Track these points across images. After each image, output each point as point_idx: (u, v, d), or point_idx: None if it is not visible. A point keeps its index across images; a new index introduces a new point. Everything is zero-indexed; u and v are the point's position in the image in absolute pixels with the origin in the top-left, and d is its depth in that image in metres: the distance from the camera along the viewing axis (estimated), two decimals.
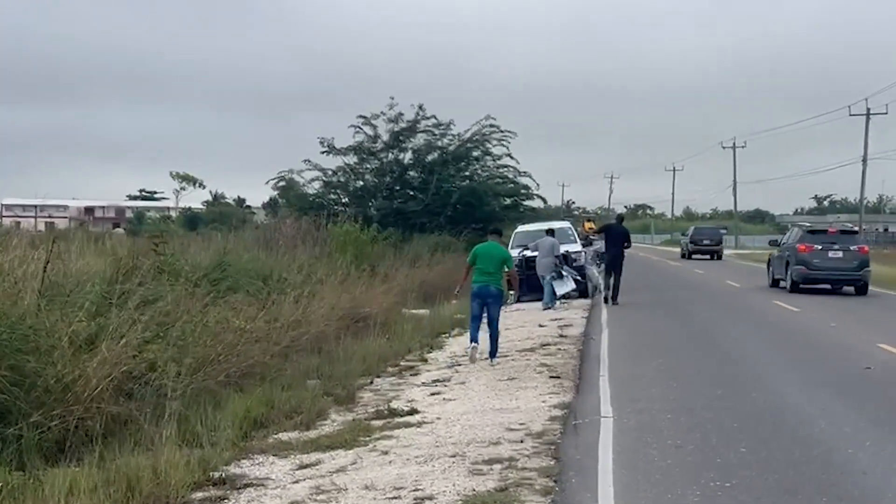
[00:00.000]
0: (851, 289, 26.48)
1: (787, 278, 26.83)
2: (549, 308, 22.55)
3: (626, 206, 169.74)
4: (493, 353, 14.32)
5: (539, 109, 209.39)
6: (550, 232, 25.65)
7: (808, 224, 29.49)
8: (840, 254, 26.09)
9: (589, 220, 70.01)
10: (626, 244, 23.66)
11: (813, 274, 26.11)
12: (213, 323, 11.95)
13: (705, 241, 55.85)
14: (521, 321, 20.15)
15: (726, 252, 70.65)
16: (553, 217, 68.75)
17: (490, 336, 14.42)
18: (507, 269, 14.92)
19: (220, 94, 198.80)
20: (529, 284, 24.55)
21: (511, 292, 15.21)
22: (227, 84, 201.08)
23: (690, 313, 21.37)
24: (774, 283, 28.32)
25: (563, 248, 25.15)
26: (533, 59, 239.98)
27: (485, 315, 14.44)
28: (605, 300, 23.41)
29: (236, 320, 12.58)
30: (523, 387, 11.88)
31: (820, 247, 26.23)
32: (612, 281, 23.57)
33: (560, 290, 23.49)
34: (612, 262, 23.72)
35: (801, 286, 26.19)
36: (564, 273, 23.79)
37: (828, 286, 26.54)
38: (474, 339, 14.31)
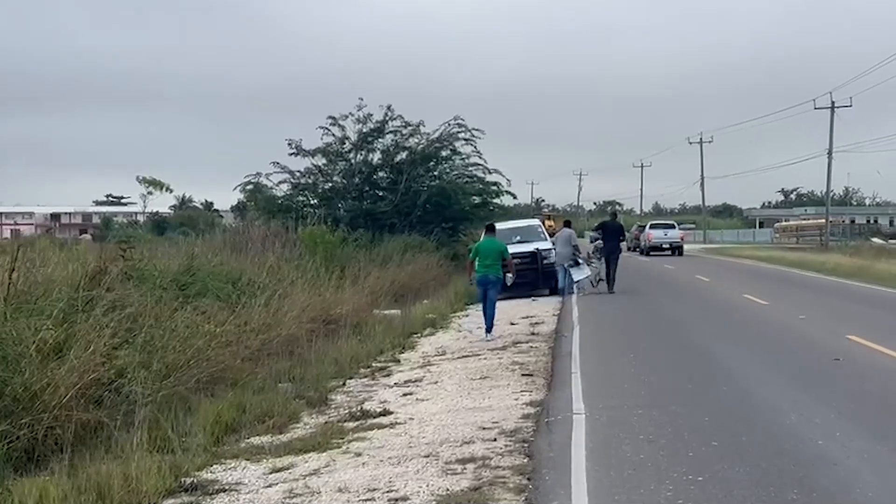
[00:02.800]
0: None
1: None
2: (571, 294, 24.97)
3: (595, 203, 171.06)
4: (488, 329, 16.99)
5: (509, 114, 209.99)
6: (567, 223, 27.84)
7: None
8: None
9: (548, 217, 70.18)
10: (621, 237, 26.90)
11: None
12: (183, 328, 11.89)
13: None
14: (495, 319, 20.21)
15: (695, 247, 71.09)
16: (523, 215, 68.91)
17: (485, 313, 17.13)
18: (504, 259, 17.34)
19: (187, 99, 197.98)
20: (544, 278, 26.27)
21: (509, 275, 17.69)
22: (195, 88, 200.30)
23: (660, 307, 21.52)
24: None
25: (532, 246, 25.88)
26: (502, 66, 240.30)
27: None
28: (609, 290, 25.42)
29: (206, 325, 12.52)
30: (496, 385, 11.91)
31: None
32: (610, 271, 25.81)
33: (577, 276, 25.55)
34: (610, 255, 26.01)
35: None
36: (580, 261, 25.88)
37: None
38: (489, 328, 16.96)
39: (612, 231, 27.01)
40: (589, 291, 25.82)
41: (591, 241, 30.65)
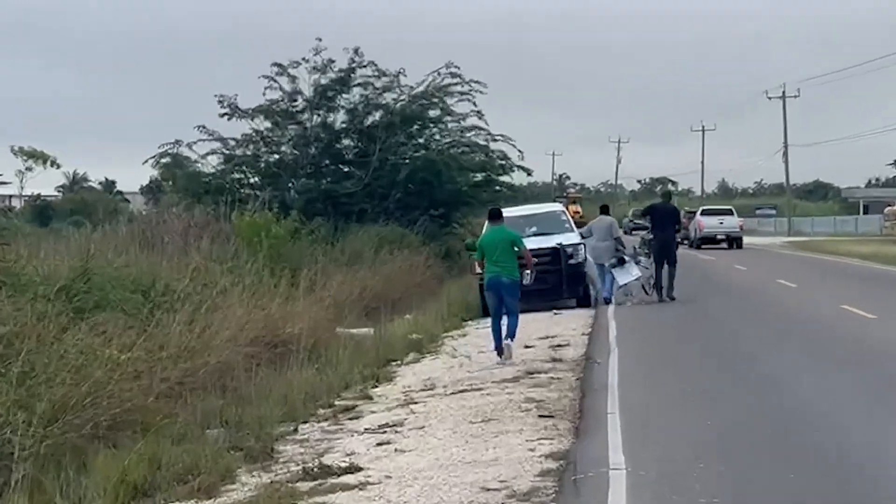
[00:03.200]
0: None
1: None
2: (609, 302, 25.58)
3: (639, 181, 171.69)
4: (510, 335, 17.35)
5: (521, 61, 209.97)
6: (604, 209, 28.33)
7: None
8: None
9: (573, 202, 70.88)
10: (676, 226, 27.12)
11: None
12: (75, 354, 11.85)
13: None
14: None
15: (776, 240, 71.39)
16: (542, 197, 68.94)
17: (507, 324, 17.40)
18: (519, 252, 17.67)
19: (81, 42, 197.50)
20: (569, 284, 26.00)
21: (527, 272, 18.26)
22: (92, 27, 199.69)
23: (728, 323, 21.55)
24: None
25: (555, 241, 25.85)
26: None
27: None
28: (660, 298, 25.82)
29: (107, 349, 12.49)
30: (504, 430, 11.90)
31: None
32: (664, 272, 25.83)
33: (622, 280, 26.09)
34: (663, 249, 25.89)
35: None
36: (626, 258, 26.07)
37: None
38: (499, 347, 17.39)
39: (664, 217, 26.96)
40: (640, 300, 26.02)
41: (629, 231, 30.97)
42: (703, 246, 56.35)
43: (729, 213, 61.24)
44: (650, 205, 29.49)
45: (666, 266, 26.10)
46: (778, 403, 12.71)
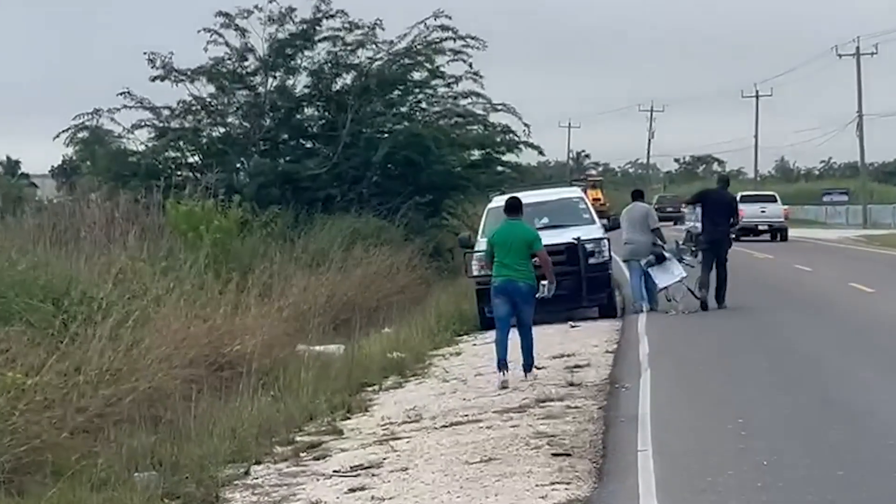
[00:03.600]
0: None
1: None
2: (647, 309, 26.00)
3: (677, 160, 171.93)
4: (527, 366, 17.89)
5: (526, 8, 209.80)
6: (638, 194, 28.39)
7: None
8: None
9: (593, 186, 71.74)
10: (732, 220, 27.49)
11: None
12: None
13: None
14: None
15: (847, 233, 71.64)
16: (554, 181, 69.14)
17: (522, 346, 17.83)
18: (535, 253, 18.03)
19: None
20: (590, 288, 25.93)
21: (544, 283, 18.46)
22: None
23: (786, 333, 21.59)
24: None
25: (572, 235, 25.81)
26: None
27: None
28: (703, 305, 25.98)
29: (9, 372, 12.47)
30: (508, 473, 11.90)
31: None
32: (712, 275, 26.04)
33: (663, 282, 26.10)
34: (715, 247, 26.26)
35: None
36: (667, 255, 25.92)
37: None
38: (502, 362, 17.67)
39: (718, 207, 27.09)
40: (685, 307, 25.93)
41: (672, 220, 30.98)
42: (743, 238, 57.47)
43: (772, 199, 65.10)
44: (702, 191, 29.68)
45: (716, 266, 26.33)
46: (841, 426, 12.72)
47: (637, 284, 26.49)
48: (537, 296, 18.05)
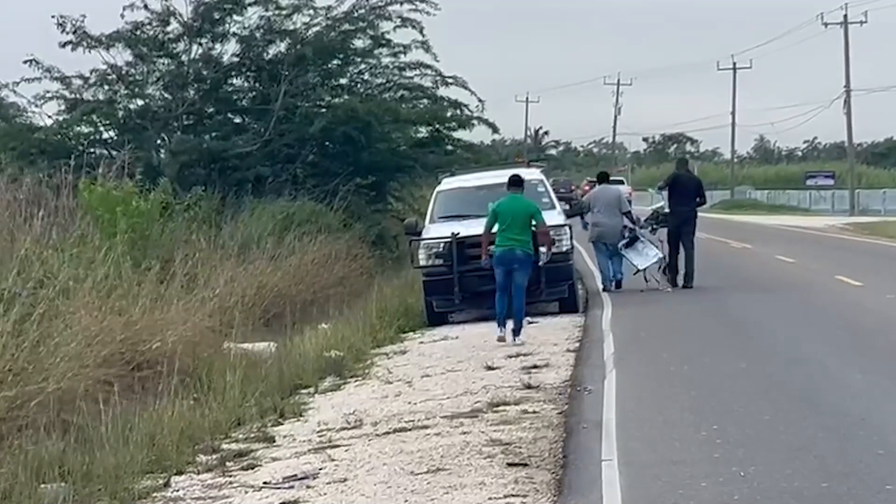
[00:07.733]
0: None
1: None
2: (619, 286, 28.56)
3: (645, 139, 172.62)
4: (516, 330, 21.49)
5: None
6: (605, 176, 30.70)
7: None
8: None
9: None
10: (699, 199, 30.30)
11: None
12: None
13: None
14: (455, 359, 20.31)
15: (833, 220, 71.92)
16: (510, 162, 69.62)
17: (513, 308, 21.52)
18: (535, 225, 21.78)
19: None
20: (549, 280, 25.87)
21: (543, 249, 21.86)
22: None
23: (761, 335, 21.71)
24: None
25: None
26: None
27: None
28: (673, 283, 28.93)
29: None
30: (458, 484, 11.92)
31: None
32: (674, 254, 28.84)
33: (641, 263, 28.41)
34: (681, 227, 28.99)
35: None
36: (641, 237, 28.14)
37: None
38: (501, 317, 21.62)
39: (685, 189, 29.97)
40: (664, 286, 28.24)
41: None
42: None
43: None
44: (673, 174, 31.25)
45: (683, 247, 28.75)
46: (838, 434, 12.73)
47: (606, 264, 28.04)
48: (539, 263, 21.31)
